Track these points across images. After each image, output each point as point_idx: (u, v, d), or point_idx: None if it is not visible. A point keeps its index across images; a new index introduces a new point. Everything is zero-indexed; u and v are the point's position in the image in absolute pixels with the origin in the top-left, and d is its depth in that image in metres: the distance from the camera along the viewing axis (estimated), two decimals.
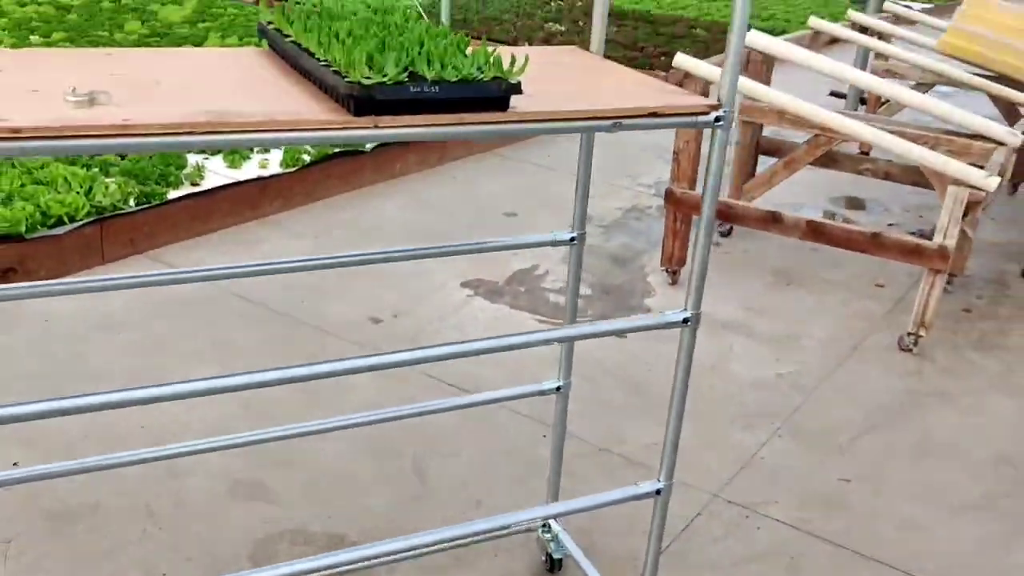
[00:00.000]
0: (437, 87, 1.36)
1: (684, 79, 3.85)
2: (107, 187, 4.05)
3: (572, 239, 2.15)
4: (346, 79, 1.34)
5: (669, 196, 3.99)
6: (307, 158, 4.93)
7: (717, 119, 1.60)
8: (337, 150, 5.02)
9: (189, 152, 4.80)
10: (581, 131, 1.76)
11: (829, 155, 4.45)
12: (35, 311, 3.53)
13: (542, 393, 2.29)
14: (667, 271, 4.18)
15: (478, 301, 3.93)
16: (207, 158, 4.89)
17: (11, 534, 2.42)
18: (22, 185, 4.06)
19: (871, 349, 3.72)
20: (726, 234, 4.77)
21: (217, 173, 4.71)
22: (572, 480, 2.71)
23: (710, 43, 8.99)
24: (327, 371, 1.63)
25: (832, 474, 2.92)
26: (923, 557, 2.57)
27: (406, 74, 1.36)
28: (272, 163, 4.90)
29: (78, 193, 3.97)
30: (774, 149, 4.70)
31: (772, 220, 3.80)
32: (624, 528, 2.56)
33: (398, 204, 4.92)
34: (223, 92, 1.45)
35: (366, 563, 2.27)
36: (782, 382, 3.44)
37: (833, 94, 6.67)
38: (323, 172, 4.88)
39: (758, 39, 4.35)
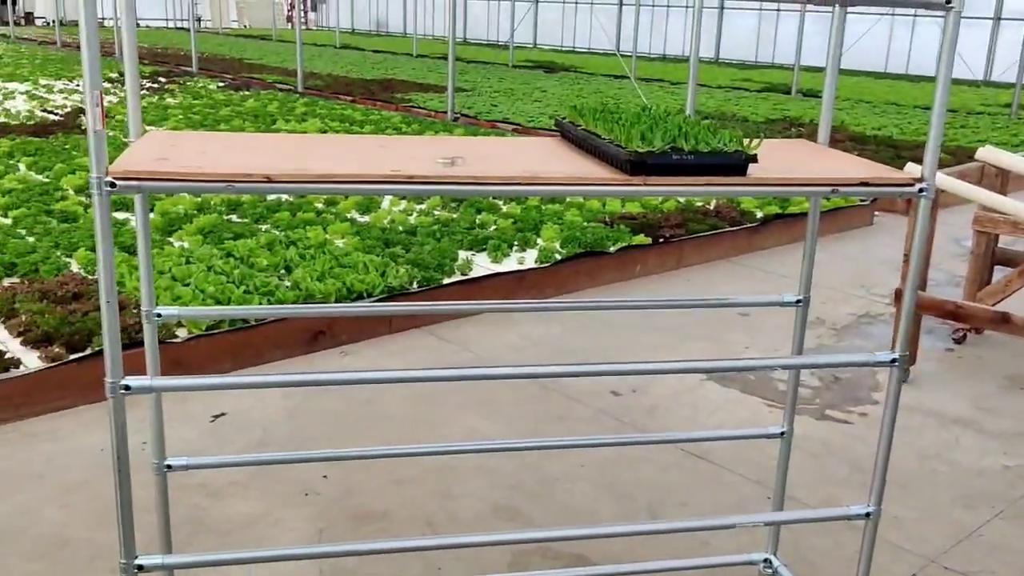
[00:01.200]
0: (692, 155, 1.85)
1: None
2: (398, 271, 4.82)
3: (797, 301, 2.51)
4: (625, 149, 1.85)
5: (898, 295, 4.21)
6: (558, 256, 5.55)
7: (921, 189, 1.97)
8: (584, 251, 5.61)
9: (510, 201, 5.56)
10: (805, 195, 2.16)
11: None
12: (339, 363, 4.27)
13: (768, 437, 2.63)
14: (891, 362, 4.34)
15: (709, 385, 4.28)
16: (475, 254, 5.62)
17: (323, 525, 3.02)
18: (331, 268, 4.91)
19: None
20: (960, 340, 4.87)
21: (483, 267, 5.41)
22: (785, 528, 2.99)
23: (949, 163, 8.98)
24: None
25: None
26: None
27: (669, 147, 1.85)
28: (528, 260, 5.56)
29: (375, 274, 4.76)
30: (1010, 260, 4.80)
31: (1001, 320, 3.94)
32: (836, 574, 2.79)
33: (637, 299, 5.40)
34: (535, 160, 2.01)
35: None
36: (1009, 473, 3.53)
37: None
38: (572, 269, 5.47)
39: (994, 153, 4.55)
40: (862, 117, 12.90)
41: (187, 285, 4.58)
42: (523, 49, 24.82)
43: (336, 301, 4.53)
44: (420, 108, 12.78)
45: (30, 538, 2.91)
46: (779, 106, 14.02)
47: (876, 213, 7.64)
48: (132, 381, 1.82)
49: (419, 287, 4.87)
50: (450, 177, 1.78)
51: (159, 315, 2.23)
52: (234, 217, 6.30)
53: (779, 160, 2.06)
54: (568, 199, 7.22)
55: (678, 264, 6.08)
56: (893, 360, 2.13)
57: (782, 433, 2.60)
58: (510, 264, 5.48)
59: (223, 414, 3.79)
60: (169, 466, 2.34)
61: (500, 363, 4.40)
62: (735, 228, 6.45)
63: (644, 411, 3.98)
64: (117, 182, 1.66)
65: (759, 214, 6.76)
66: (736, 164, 1.87)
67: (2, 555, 2.81)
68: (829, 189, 1.94)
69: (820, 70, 12.36)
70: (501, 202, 7.18)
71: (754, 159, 1.88)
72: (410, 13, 29.59)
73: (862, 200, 7.34)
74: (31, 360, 3.81)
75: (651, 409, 4.00)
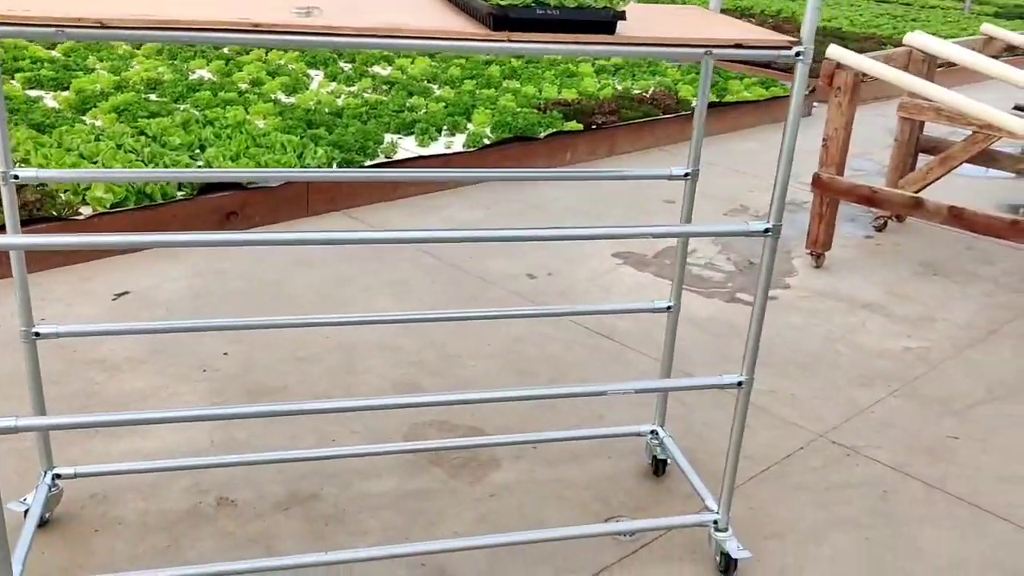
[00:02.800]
0: (558, 10, 1.76)
1: (835, 69, 4.06)
2: (315, 152, 4.70)
3: (686, 174, 2.47)
4: (487, 2, 1.76)
5: (816, 180, 4.21)
6: (487, 141, 5.44)
7: (797, 53, 1.91)
8: (513, 136, 5.51)
9: (444, 84, 5.42)
10: (675, 58, 2.09)
11: (988, 153, 4.51)
12: (251, 248, 4.19)
13: (653, 311, 2.63)
14: (811, 254, 4.38)
15: (625, 269, 4.28)
16: (402, 137, 5.50)
17: (220, 400, 3.00)
18: (246, 148, 4.77)
19: (1009, 335, 3.80)
20: (880, 228, 4.90)
21: (407, 150, 5.30)
22: (679, 403, 3.04)
23: None
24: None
25: (941, 432, 3.08)
26: None
27: (533, 1, 1.77)
28: (456, 144, 5.45)
29: (292, 155, 4.64)
30: (933, 148, 4.80)
31: (914, 205, 3.95)
32: (723, 447, 2.84)
33: (564, 187, 5.34)
34: (400, 13, 1.91)
35: (498, 446, 2.69)
36: (908, 354, 3.60)
37: (1017, 108, 6.56)
38: (500, 154, 5.38)
39: (922, 39, 4.50)
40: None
41: (95, 163, 4.43)
42: None
43: (249, 182, 4.42)
44: None
45: None
46: None
47: (815, 104, 7.59)
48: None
49: (339, 166, 4.76)
50: (302, 27, 1.69)
51: (16, 176, 2.12)
52: (153, 96, 6.09)
53: (660, 23, 1.99)
54: (504, 84, 7.07)
55: (610, 152, 6.01)
56: (766, 230, 2.11)
57: (668, 307, 2.60)
58: (437, 148, 5.38)
59: (126, 292, 3.72)
60: (37, 333, 2.27)
61: (417, 245, 4.34)
62: (669, 116, 6.37)
63: (557, 293, 3.97)
64: None
65: (694, 103, 6.66)
66: (604, 21, 1.80)
67: None
68: (702, 51, 1.88)
69: None
70: (435, 86, 7.00)
71: (622, 16, 1.81)
72: None
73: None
74: None
75: (564, 291, 3.99)
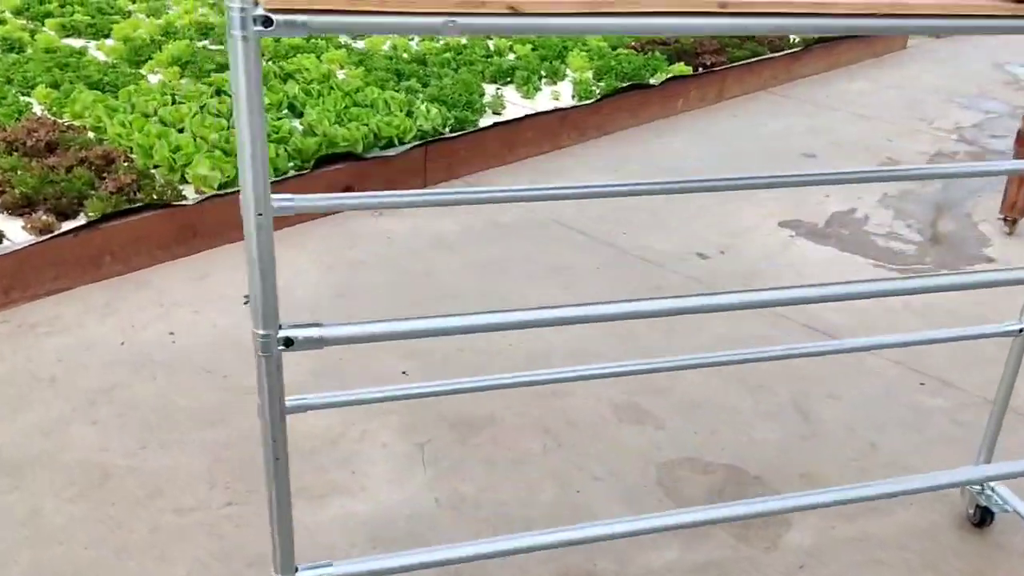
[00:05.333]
0: None
1: None
2: (428, 111, 4.10)
3: (1021, 330, 1.95)
4: None
5: (1021, 137, 3.68)
6: (597, 91, 4.86)
7: None
8: (626, 85, 4.92)
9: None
10: None
11: None
12: (377, 231, 3.63)
13: (999, 335, 2.12)
14: (1004, 219, 3.88)
15: (801, 242, 3.77)
16: (500, 87, 4.90)
17: (423, 439, 2.48)
18: (346, 107, 4.16)
19: None
20: None
21: (515, 104, 4.71)
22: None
23: None
24: (687, 307, 1.52)
25: None
26: None
27: None
28: (564, 95, 4.86)
29: (401, 115, 4.04)
30: None
31: None
32: None
33: (685, 140, 4.79)
34: None
35: (787, 512, 2.21)
36: None
37: None
38: (614, 105, 4.79)
39: None
40: None
41: (181, 131, 3.82)
42: None
43: (364, 149, 3.83)
44: None
45: (60, 467, 2.31)
46: None
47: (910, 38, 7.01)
48: (295, 332, 1.18)
49: (452, 132, 4.17)
50: (781, 5, 1.13)
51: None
52: (207, 43, 5.41)
53: None
54: None
55: (719, 96, 5.43)
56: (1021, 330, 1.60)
57: (1021, 330, 2.09)
58: (544, 100, 4.78)
59: None
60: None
61: (551, 215, 3.80)
62: (775, 55, 5.78)
63: (741, 277, 3.45)
64: (274, 17, 0.99)
65: (796, 38, 6.08)
66: None
67: (30, 492, 2.22)
68: None
69: None
70: None
71: None
72: None
73: None
74: (14, 231, 3.08)
75: (747, 275, 3.48)
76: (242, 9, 0.98)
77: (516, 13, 1.04)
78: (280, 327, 1.14)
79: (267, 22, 0.99)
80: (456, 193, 1.91)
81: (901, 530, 2.25)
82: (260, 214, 1.20)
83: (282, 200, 1.30)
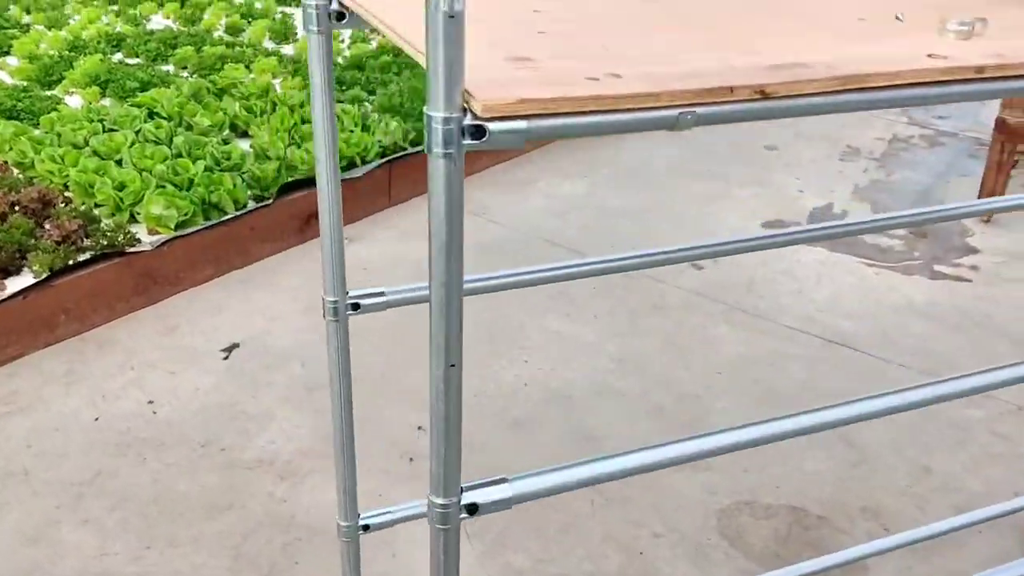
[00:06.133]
0: None
1: None
2: (388, 126, 3.83)
3: None
4: None
5: (1001, 125, 3.66)
6: None
7: None
8: None
9: None
10: None
11: None
12: (351, 261, 3.36)
13: None
14: None
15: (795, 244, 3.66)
16: None
17: None
18: (295, 125, 3.86)
19: None
20: None
21: None
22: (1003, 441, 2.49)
23: None
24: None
25: None
26: None
27: None
28: None
29: (359, 130, 3.76)
30: None
31: None
32: None
33: (653, 139, 4.65)
34: None
35: (864, 559, 2.08)
36: None
37: None
38: None
39: None
40: None
41: (119, 163, 3.45)
42: None
43: None
44: None
45: None
46: None
47: None
48: (480, 495, 0.95)
49: (413, 145, 3.92)
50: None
51: (356, 306, 1.33)
52: (119, 56, 4.98)
53: None
54: None
55: None
56: None
57: None
58: None
59: (235, 345, 2.86)
60: (366, 527, 1.50)
61: (535, 232, 3.61)
62: None
63: (743, 287, 3.32)
64: (489, 126, 0.76)
65: None
66: None
67: None
68: None
69: None
70: None
71: None
72: None
73: None
74: None
75: (749, 283, 3.35)
76: (446, 120, 0.75)
77: (765, 97, 0.84)
78: (462, 490, 0.91)
79: (479, 133, 0.76)
80: (580, 266, 1.68)
81: (978, 561, 2.15)
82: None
83: None
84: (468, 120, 0.76)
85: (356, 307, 1.37)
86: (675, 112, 0.82)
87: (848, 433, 2.57)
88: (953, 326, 3.11)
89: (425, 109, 0.77)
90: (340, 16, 1.12)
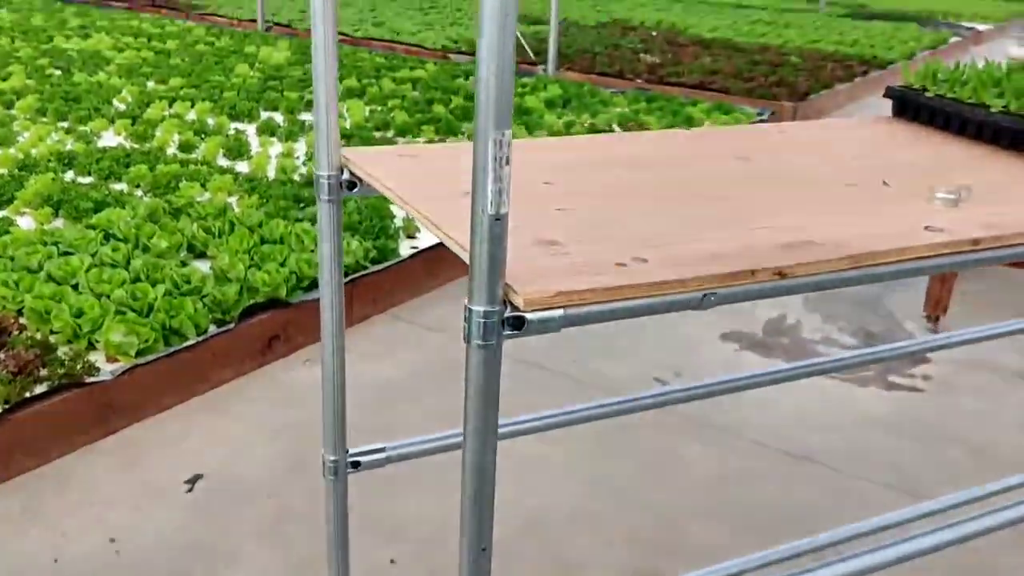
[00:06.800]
0: None
1: None
2: (348, 244, 3.85)
3: None
4: None
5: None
6: None
7: None
8: None
9: None
10: None
11: None
12: (310, 382, 3.32)
13: None
14: (928, 317, 3.99)
15: (749, 356, 3.73)
16: None
17: None
18: (254, 245, 3.85)
19: None
20: None
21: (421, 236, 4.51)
22: None
23: (812, 70, 8.87)
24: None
25: None
26: None
27: None
28: None
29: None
30: None
31: None
32: None
33: None
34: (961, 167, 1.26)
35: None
36: None
37: None
38: None
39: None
40: (695, 18, 12.67)
41: (76, 287, 3.40)
42: None
43: (288, 293, 3.53)
44: (218, 16, 11.16)
45: None
46: None
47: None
48: None
49: (373, 263, 3.93)
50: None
51: (356, 465, 1.33)
52: (71, 174, 4.96)
53: None
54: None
55: None
56: None
57: None
58: None
59: (199, 476, 2.79)
60: None
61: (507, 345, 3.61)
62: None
63: (708, 404, 3.35)
64: (529, 316, 0.78)
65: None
66: None
67: None
68: None
69: None
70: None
71: None
72: None
73: None
74: None
75: (714, 402, 3.38)
76: (487, 314, 0.77)
77: (783, 276, 0.87)
78: None
79: (518, 324, 0.77)
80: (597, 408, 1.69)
81: None
82: None
83: None
84: (508, 312, 0.78)
85: (356, 465, 1.36)
86: (700, 294, 0.85)
87: None
88: (914, 437, 3.17)
89: (466, 303, 0.78)
90: (352, 185, 1.15)
